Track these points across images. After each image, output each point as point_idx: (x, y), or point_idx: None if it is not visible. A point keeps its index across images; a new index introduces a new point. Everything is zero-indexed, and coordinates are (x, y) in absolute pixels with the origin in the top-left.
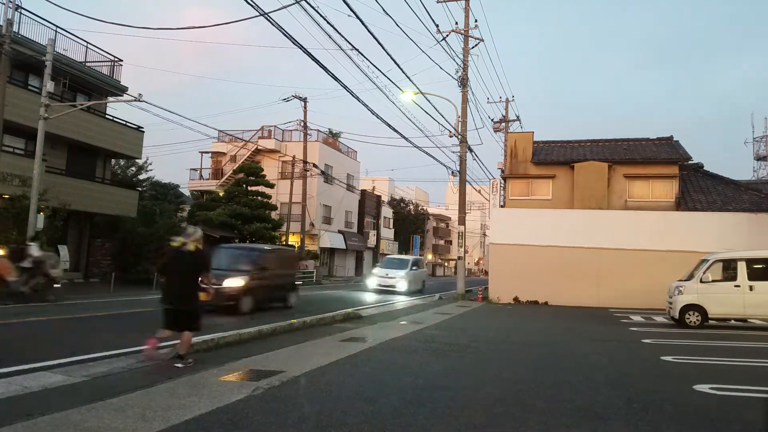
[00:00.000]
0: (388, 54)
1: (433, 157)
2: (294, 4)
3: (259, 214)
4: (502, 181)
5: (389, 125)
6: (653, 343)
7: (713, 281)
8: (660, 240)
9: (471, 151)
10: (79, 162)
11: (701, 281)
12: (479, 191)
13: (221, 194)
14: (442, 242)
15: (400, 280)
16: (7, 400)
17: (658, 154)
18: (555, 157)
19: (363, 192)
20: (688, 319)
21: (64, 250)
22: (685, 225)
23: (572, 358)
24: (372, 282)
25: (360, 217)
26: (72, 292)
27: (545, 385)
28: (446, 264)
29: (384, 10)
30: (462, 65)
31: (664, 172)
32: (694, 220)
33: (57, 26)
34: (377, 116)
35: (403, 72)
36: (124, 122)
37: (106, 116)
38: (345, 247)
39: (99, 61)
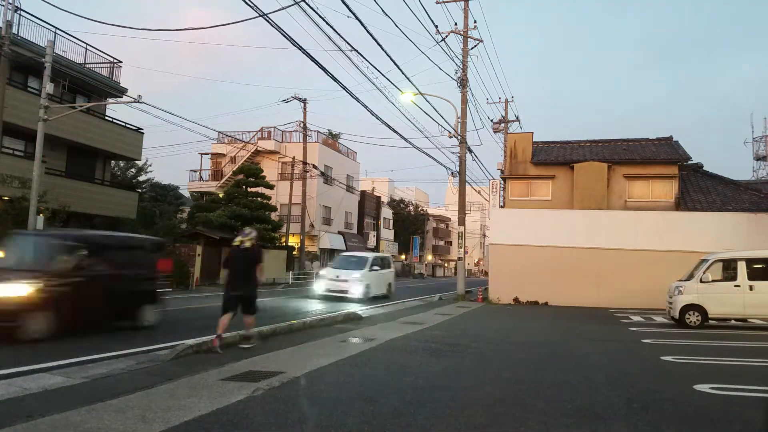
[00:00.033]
0: (387, 55)
1: (432, 157)
2: (293, 5)
3: (258, 215)
4: (502, 182)
5: (389, 126)
6: (653, 343)
7: (713, 281)
8: (660, 240)
9: (470, 151)
10: (78, 163)
11: (701, 281)
12: (479, 192)
13: (221, 195)
14: (442, 243)
15: (355, 283)
16: (7, 401)
17: (657, 155)
18: (554, 158)
19: (363, 193)
20: (688, 319)
21: None
22: (684, 225)
23: (572, 358)
24: (319, 287)
25: (360, 218)
26: None
27: (545, 385)
28: (446, 265)
29: (383, 10)
30: (461, 66)
31: (663, 172)
32: (693, 220)
33: (56, 28)
34: (377, 117)
35: (403, 73)
36: (124, 124)
37: (106, 118)
38: (345, 248)
39: (98, 63)
